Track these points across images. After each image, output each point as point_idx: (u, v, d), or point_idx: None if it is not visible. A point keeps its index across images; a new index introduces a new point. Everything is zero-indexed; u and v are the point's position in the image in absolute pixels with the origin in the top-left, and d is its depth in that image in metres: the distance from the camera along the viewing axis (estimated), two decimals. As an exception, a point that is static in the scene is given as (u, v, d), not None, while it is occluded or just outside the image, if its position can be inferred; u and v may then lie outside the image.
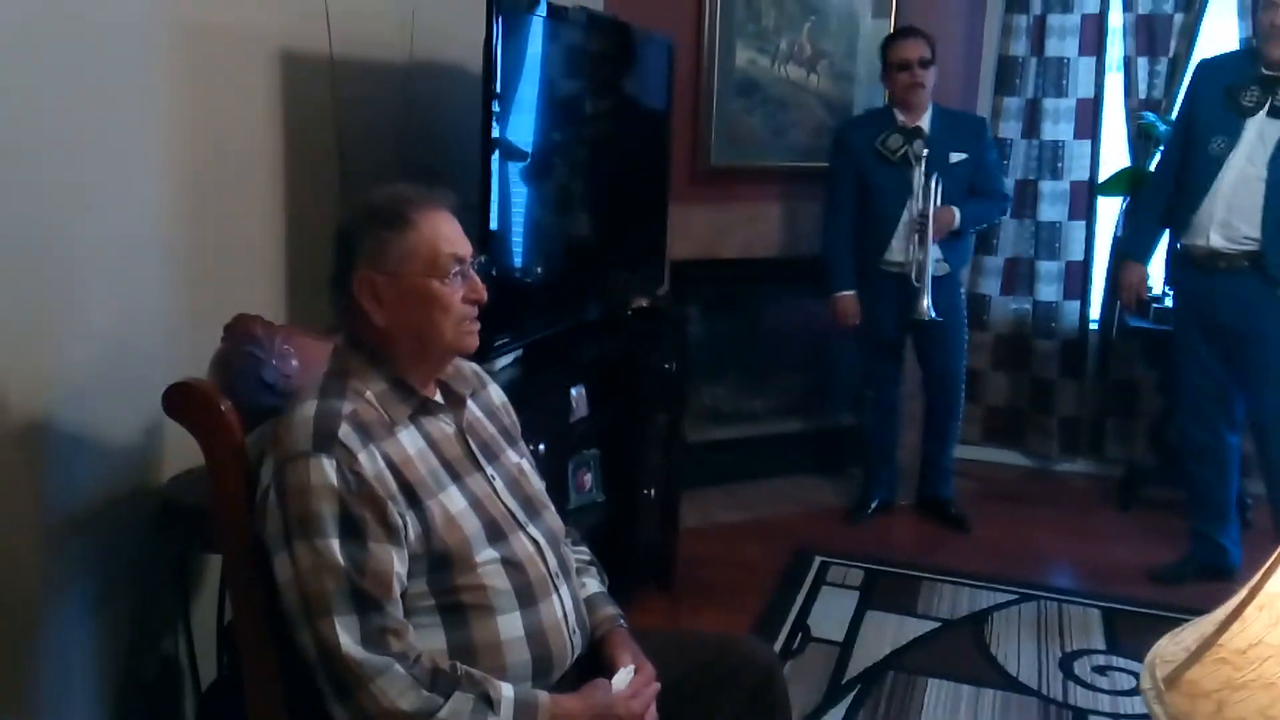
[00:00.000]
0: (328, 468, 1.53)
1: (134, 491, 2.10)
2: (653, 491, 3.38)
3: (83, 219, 1.94)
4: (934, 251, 3.82)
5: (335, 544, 1.51)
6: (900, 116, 3.87)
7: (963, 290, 4.21)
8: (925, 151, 3.79)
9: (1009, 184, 4.45)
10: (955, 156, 3.86)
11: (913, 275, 3.81)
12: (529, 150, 2.73)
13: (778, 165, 4.31)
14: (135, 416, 2.07)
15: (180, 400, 1.64)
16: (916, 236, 3.80)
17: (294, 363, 1.86)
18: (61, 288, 1.90)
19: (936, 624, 3.37)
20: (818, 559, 3.81)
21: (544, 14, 2.70)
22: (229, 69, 2.28)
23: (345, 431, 1.56)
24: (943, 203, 3.82)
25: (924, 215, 3.79)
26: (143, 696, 2.18)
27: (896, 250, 3.87)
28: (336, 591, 1.51)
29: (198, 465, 1.81)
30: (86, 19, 1.91)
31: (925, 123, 3.87)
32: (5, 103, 1.76)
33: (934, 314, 3.80)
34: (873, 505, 4.23)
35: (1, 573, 1.85)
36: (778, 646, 3.18)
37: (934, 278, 3.81)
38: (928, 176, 3.79)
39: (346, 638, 1.50)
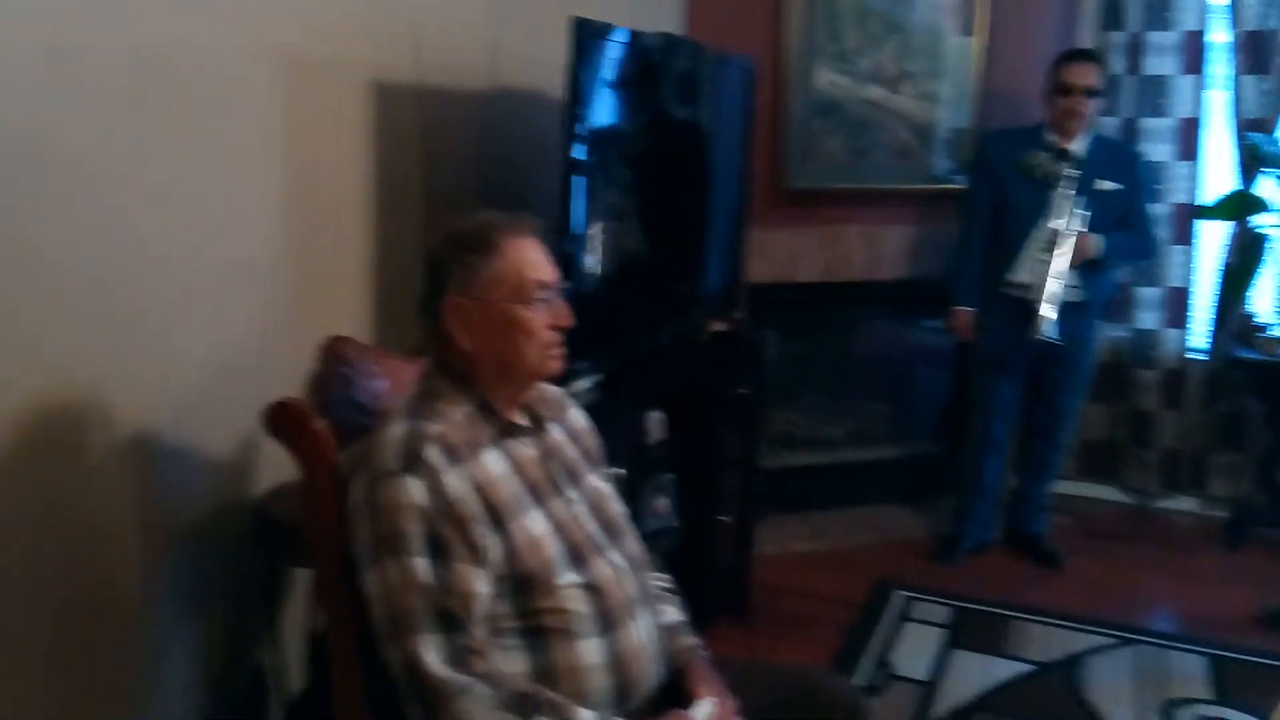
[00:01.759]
0: (415, 488, 1.63)
1: (230, 504, 2.27)
2: (729, 518, 3.46)
3: (186, 243, 2.12)
4: (1067, 276, 3.78)
5: (421, 563, 1.62)
6: (1051, 136, 3.88)
7: (1099, 325, 4.16)
8: (1072, 173, 3.79)
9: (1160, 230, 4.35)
10: (1105, 185, 3.82)
11: (1034, 294, 3.78)
12: (608, 174, 2.86)
13: (859, 187, 4.37)
14: (233, 433, 2.25)
15: (278, 418, 1.78)
16: (1045, 255, 3.78)
17: (383, 383, 1.98)
18: (167, 309, 2.08)
19: (1028, 666, 3.36)
20: (900, 593, 3.82)
21: (624, 39, 2.82)
22: (324, 99, 2.46)
23: (432, 453, 1.66)
24: (1088, 230, 3.79)
25: (1056, 233, 3.77)
26: (232, 704, 2.34)
27: (1022, 271, 3.85)
28: (422, 610, 1.61)
29: (290, 480, 1.98)
30: (193, 50, 2.09)
31: (1078, 147, 3.85)
32: (117, 130, 1.94)
33: (1053, 335, 3.75)
34: (966, 546, 4.19)
35: (109, 579, 2.03)
36: (858, 683, 3.21)
37: (1065, 303, 3.77)
38: (1071, 199, 3.79)
39: (432, 656, 1.60)
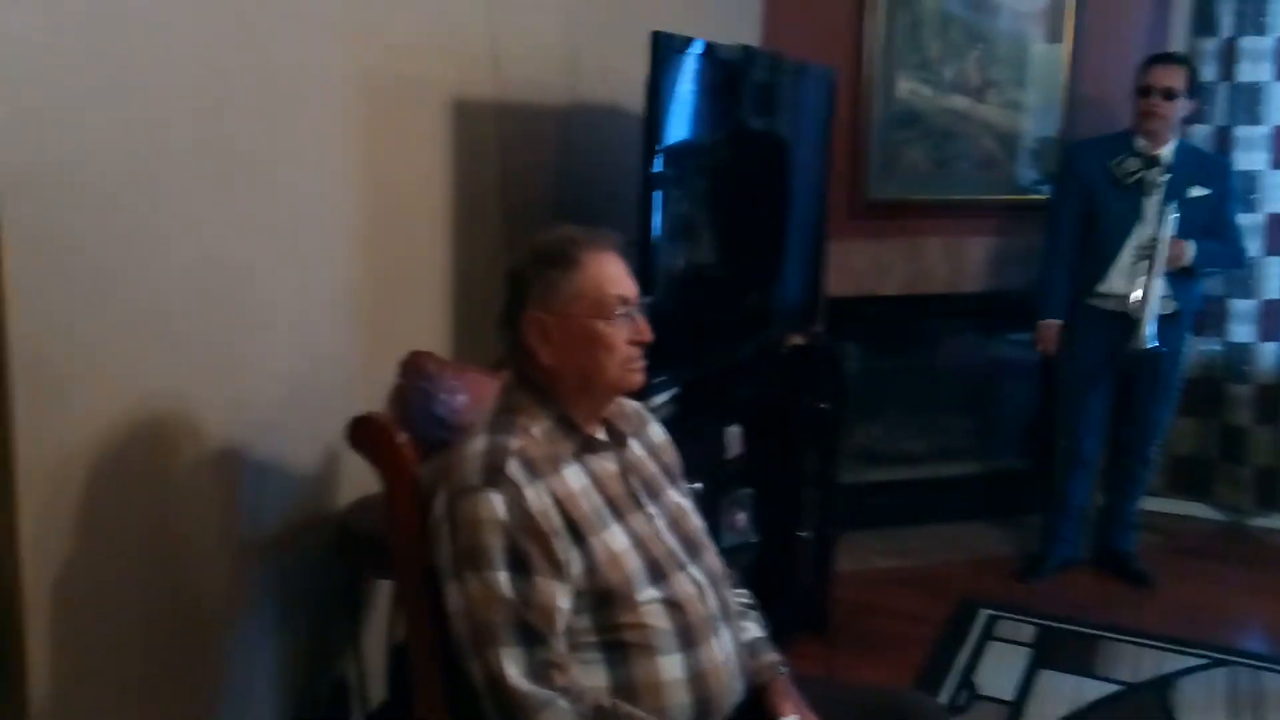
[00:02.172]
0: (496, 502, 1.65)
1: (313, 517, 2.32)
2: (808, 533, 3.45)
3: (272, 259, 2.17)
4: (1161, 285, 3.74)
5: (503, 577, 1.63)
6: (1140, 142, 3.84)
7: (1188, 337, 4.10)
8: (1163, 178, 3.76)
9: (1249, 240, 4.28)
10: (1195, 191, 3.79)
11: (1133, 304, 3.73)
12: (688, 188, 2.87)
13: (941, 198, 4.35)
14: (316, 446, 2.30)
15: (361, 432, 1.82)
16: (1145, 264, 3.74)
17: (463, 398, 2.01)
18: (253, 325, 2.14)
19: (1117, 687, 3.31)
20: (984, 611, 3.78)
21: (703, 52, 2.84)
22: (404, 117, 2.51)
23: (513, 467, 1.68)
24: (1177, 237, 3.75)
25: (1154, 241, 3.73)
26: (315, 715, 2.39)
27: (1116, 282, 3.81)
28: (503, 623, 1.62)
29: (372, 493, 2.02)
30: (276, 71, 2.15)
31: (1166, 153, 3.82)
32: (204, 152, 2.00)
33: (1155, 343, 3.70)
34: (1052, 564, 4.14)
35: (198, 591, 2.08)
36: (942, 703, 3.19)
37: (1159, 314, 3.74)
38: (1162, 206, 3.75)
39: (513, 669, 1.61)
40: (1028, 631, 3.66)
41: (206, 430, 2.05)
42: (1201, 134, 4.46)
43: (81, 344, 1.79)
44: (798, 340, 3.56)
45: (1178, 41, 4.51)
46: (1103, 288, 3.86)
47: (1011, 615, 3.77)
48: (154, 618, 1.97)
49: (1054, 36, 4.34)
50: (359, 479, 2.12)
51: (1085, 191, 3.90)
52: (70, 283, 1.76)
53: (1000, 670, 3.41)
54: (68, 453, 1.79)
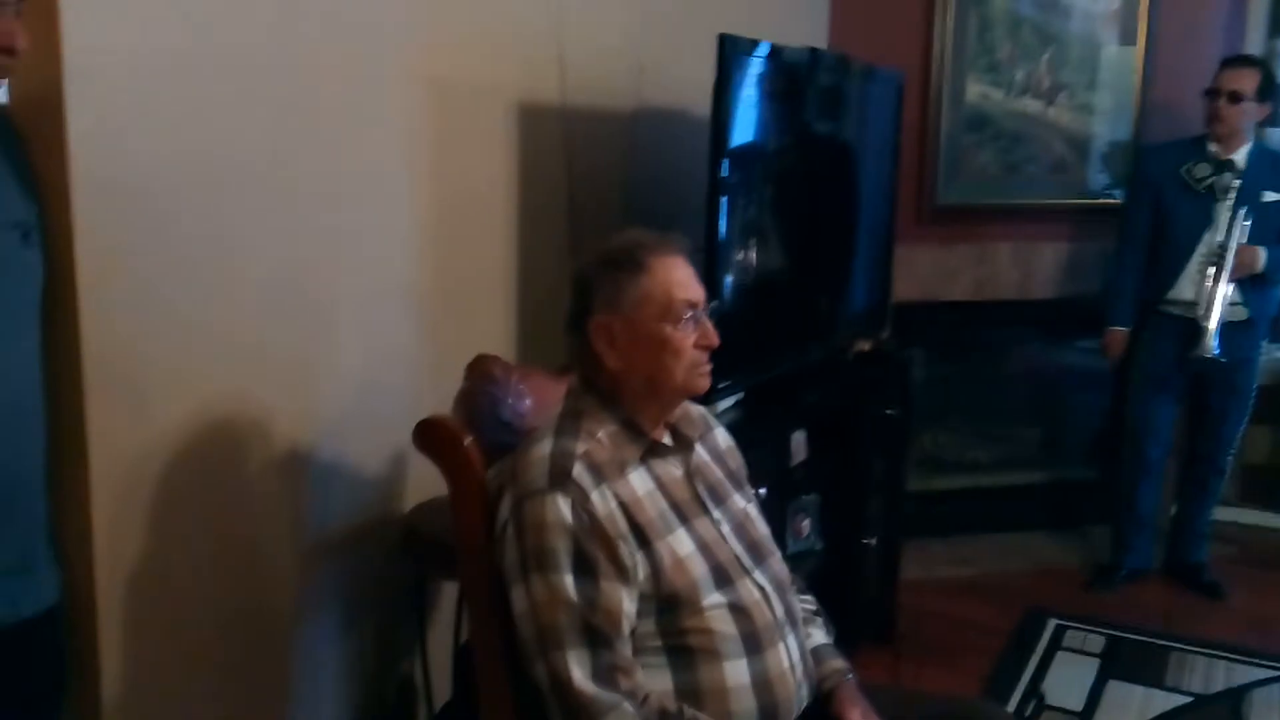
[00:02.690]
0: (562, 506, 1.65)
1: (379, 519, 2.33)
2: (873, 541, 3.42)
3: (339, 264, 2.19)
4: (1229, 292, 3.70)
5: (569, 580, 1.63)
6: (1212, 146, 3.79)
7: (1263, 345, 4.02)
8: (1235, 183, 3.71)
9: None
10: (1269, 196, 3.73)
11: (1200, 311, 3.70)
12: (754, 192, 2.86)
13: (1011, 203, 4.30)
14: (383, 448, 2.32)
15: (428, 435, 1.82)
16: (1212, 270, 3.69)
17: (529, 402, 2.01)
18: (321, 329, 2.16)
19: (1187, 699, 3.27)
20: (1052, 621, 3.75)
21: (769, 54, 2.82)
22: (471, 122, 2.52)
23: (579, 471, 1.68)
24: (1249, 243, 3.70)
25: (1223, 248, 3.68)
26: (382, 715, 2.41)
27: (1185, 288, 3.77)
28: (569, 626, 1.62)
29: (437, 496, 2.02)
30: (346, 74, 2.17)
31: (1239, 157, 3.77)
32: (276, 156, 2.02)
33: (1216, 352, 3.66)
34: (1122, 574, 4.08)
35: (267, 591, 2.11)
36: (1009, 712, 3.13)
37: (1228, 322, 3.70)
38: (1233, 211, 3.70)
39: (579, 672, 1.61)
40: (1096, 642, 3.62)
41: (276, 433, 2.07)
42: (1277, 137, 4.37)
43: (154, 349, 1.82)
44: (864, 346, 3.54)
45: (1254, 43, 4.43)
46: (1172, 294, 3.81)
47: (1080, 625, 3.74)
48: (224, 618, 2.00)
49: (1127, 38, 4.28)
50: (425, 481, 2.13)
51: (1157, 196, 3.85)
52: (143, 289, 1.80)
53: (1069, 680, 3.38)
54: (140, 456, 1.82)
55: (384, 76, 2.27)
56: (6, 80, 1.54)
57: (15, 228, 1.56)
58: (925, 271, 4.24)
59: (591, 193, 2.86)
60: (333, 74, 2.14)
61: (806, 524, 3.31)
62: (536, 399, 2.03)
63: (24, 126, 1.66)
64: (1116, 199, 4.22)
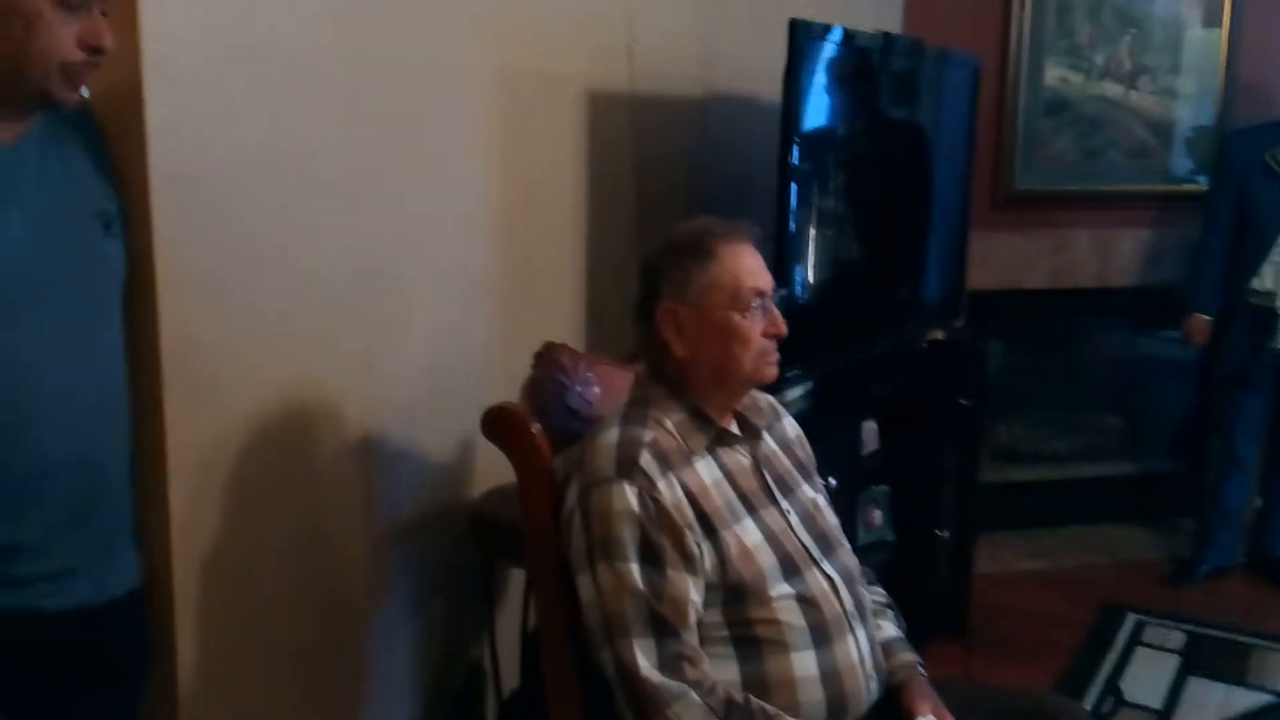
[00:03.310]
0: (629, 494, 1.65)
1: (448, 505, 2.36)
2: (946, 533, 3.40)
3: (410, 253, 2.21)
4: None
5: (635, 568, 1.64)
6: None
7: None
8: None
9: None
10: None
11: (1277, 302, 3.66)
12: (825, 179, 2.85)
13: (1090, 189, 4.25)
14: (451, 436, 2.34)
15: (496, 423, 1.84)
16: None
17: (596, 389, 2.02)
18: (392, 318, 2.18)
19: (1270, 698, 3.23)
20: (1131, 616, 3.70)
21: (841, 39, 2.81)
22: (540, 110, 2.53)
23: (646, 459, 1.68)
24: None
25: None
26: (450, 700, 2.44)
27: (1267, 276, 3.73)
28: (635, 614, 1.63)
29: (505, 483, 2.04)
30: (418, 66, 2.19)
31: None
32: (350, 145, 2.05)
33: None
34: (1204, 569, 4.02)
35: (338, 577, 2.14)
36: (1086, 708, 3.10)
37: None
38: None
39: (644, 661, 1.62)
40: (1177, 638, 3.58)
41: (347, 421, 2.10)
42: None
43: (229, 339, 1.85)
44: (938, 335, 3.51)
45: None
46: (1255, 283, 3.75)
47: (1160, 621, 3.68)
48: (296, 603, 2.03)
49: (1211, 20, 4.20)
50: (494, 468, 2.15)
51: (1241, 182, 3.78)
52: (218, 279, 1.83)
53: (1148, 677, 3.34)
54: (215, 444, 1.85)
55: (454, 67, 2.28)
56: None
57: (98, 217, 1.60)
58: (1001, 259, 4.20)
59: (660, 180, 2.86)
60: (404, 66, 2.16)
61: (878, 515, 3.29)
62: (604, 387, 2.04)
63: (105, 119, 1.69)
64: (1200, 185, 4.13)
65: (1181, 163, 4.33)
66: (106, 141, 1.68)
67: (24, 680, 1.58)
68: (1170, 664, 3.42)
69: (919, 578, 3.35)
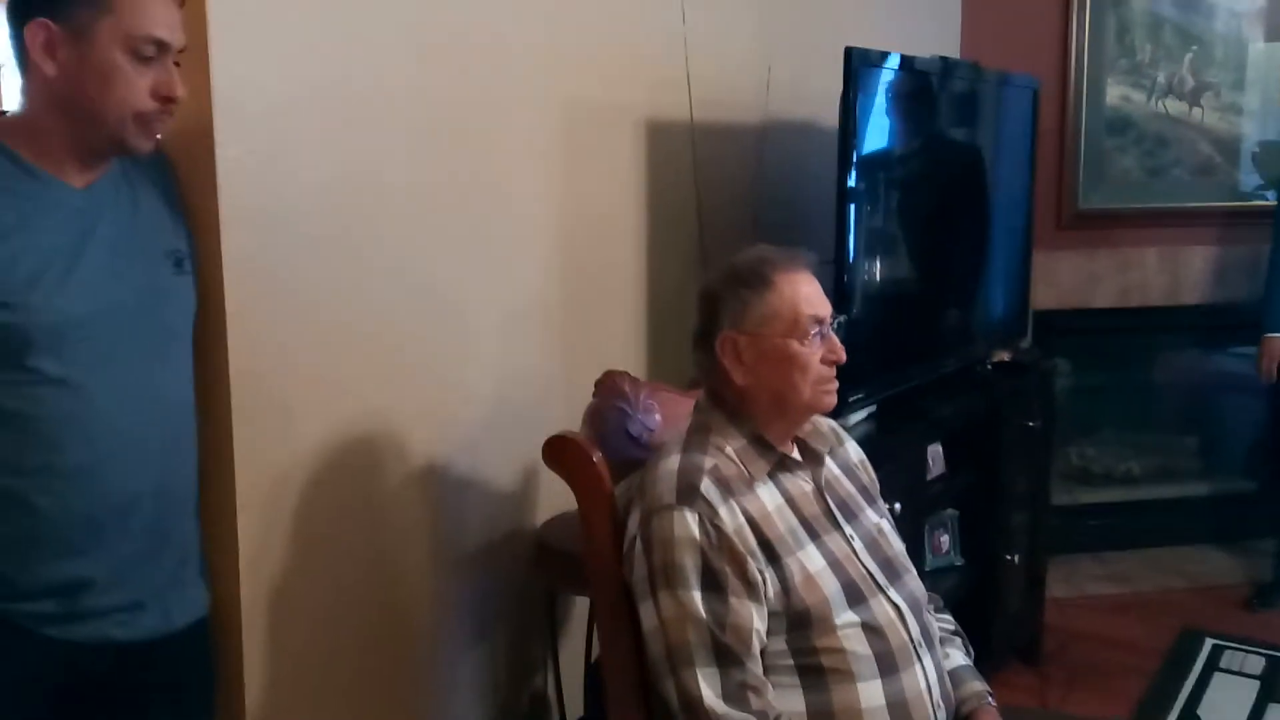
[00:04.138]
0: (690, 521, 1.64)
1: (511, 533, 2.36)
2: (1016, 557, 3.34)
3: (475, 283, 2.23)
4: None
5: (697, 596, 1.62)
6: None
7: None
8: None
9: None
10: None
11: None
12: (884, 204, 2.83)
13: (1156, 207, 4.19)
14: (514, 464, 2.34)
15: (558, 451, 1.84)
16: None
17: (657, 417, 2.02)
18: (456, 347, 2.20)
19: (1354, 724, 3.12)
20: (1209, 641, 3.61)
21: (899, 65, 2.79)
22: (601, 139, 2.54)
23: (707, 486, 1.67)
24: None
25: None
26: (515, 728, 2.45)
27: None
28: (698, 643, 1.61)
29: (568, 510, 2.04)
30: (480, 99, 2.21)
31: None
32: (418, 178, 2.08)
33: None
34: None
35: (404, 604, 2.15)
36: (1162, 735, 3.06)
37: None
38: None
39: (708, 690, 1.60)
40: (1256, 663, 3.48)
41: (413, 449, 2.12)
42: None
43: (296, 370, 1.88)
44: (1003, 356, 3.46)
45: None
46: None
47: (1239, 646, 3.58)
48: (362, 629, 2.04)
49: (1273, 35, 4.14)
50: (557, 495, 2.16)
51: None
52: (287, 312, 1.85)
53: (1226, 703, 3.25)
54: (283, 473, 1.88)
55: (520, 100, 2.30)
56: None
57: (169, 256, 1.64)
58: (1067, 279, 4.15)
59: (720, 207, 2.86)
60: (472, 101, 2.18)
61: (946, 539, 3.25)
62: (665, 414, 2.03)
63: (176, 160, 1.73)
64: (1268, 201, 4.05)
65: (1248, 178, 4.25)
66: (178, 182, 1.72)
67: (97, 709, 1.61)
68: (1249, 690, 3.33)
69: (989, 603, 3.28)
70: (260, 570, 1.85)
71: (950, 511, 3.26)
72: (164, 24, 1.50)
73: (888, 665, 1.70)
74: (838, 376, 1.80)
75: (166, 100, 1.52)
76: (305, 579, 1.92)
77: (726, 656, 1.62)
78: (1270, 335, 3.80)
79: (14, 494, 1.48)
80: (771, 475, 1.78)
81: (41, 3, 1.46)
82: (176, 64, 1.53)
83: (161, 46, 1.50)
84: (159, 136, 1.57)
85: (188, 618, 1.67)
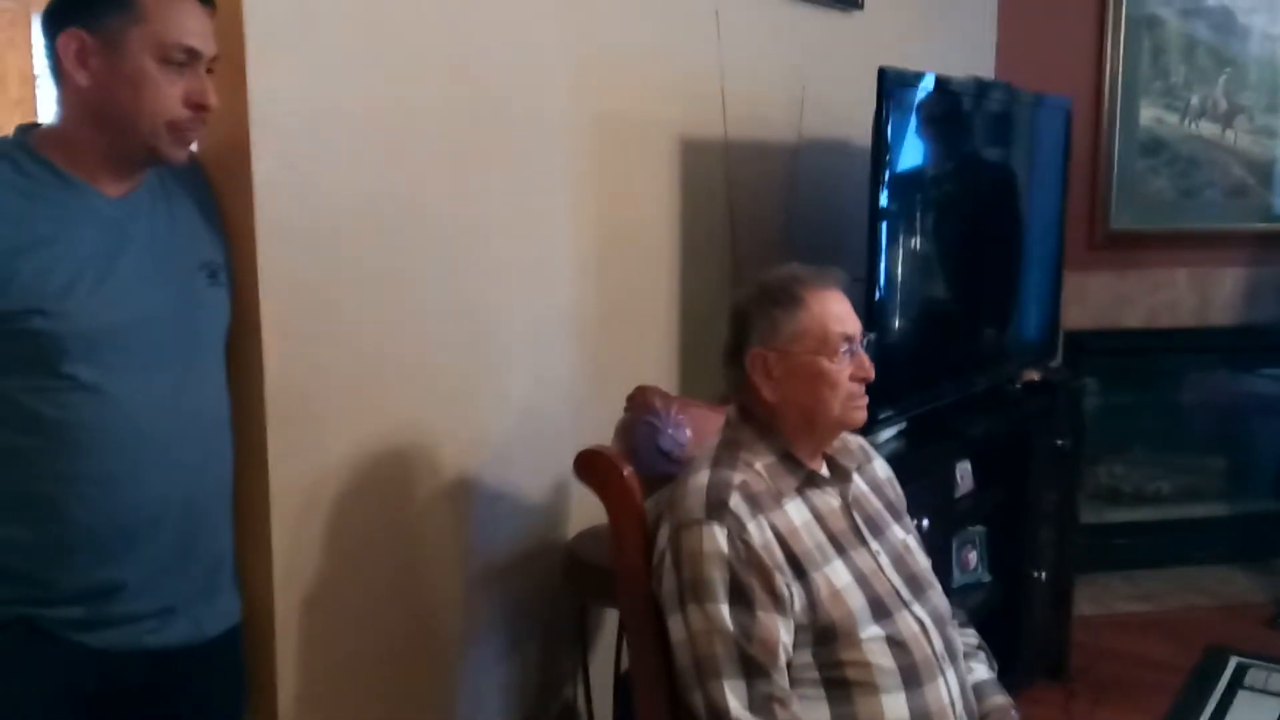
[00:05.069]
0: (719, 536, 1.63)
1: (541, 546, 2.34)
2: (1043, 574, 3.30)
3: (507, 297, 2.22)
4: None
5: (725, 610, 1.61)
6: None
7: None
8: None
9: None
10: None
11: None
12: (916, 223, 2.80)
13: (1188, 229, 4.14)
14: (545, 478, 2.33)
15: (589, 465, 1.82)
16: None
17: (688, 432, 2.01)
18: (489, 360, 2.19)
19: (1378, 743, 3.04)
20: (1234, 659, 3.54)
21: (933, 86, 2.77)
22: (635, 156, 2.52)
23: (736, 501, 1.66)
24: None
25: None
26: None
27: None
28: (725, 656, 1.60)
29: (598, 523, 2.02)
30: (516, 115, 2.20)
31: None
32: (446, 193, 2.06)
33: None
34: None
35: (435, 614, 2.14)
36: (1185, 754, 3.00)
37: None
38: None
39: (735, 702, 1.59)
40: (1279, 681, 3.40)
41: (444, 461, 2.11)
42: None
43: (329, 382, 1.87)
44: (1033, 375, 3.42)
45: None
46: None
47: (1264, 663, 3.50)
48: (394, 639, 2.03)
49: (1309, 58, 4.05)
50: (587, 508, 2.14)
51: None
52: (321, 325, 1.85)
53: (1250, 720, 3.18)
54: (316, 483, 1.87)
55: (552, 115, 2.29)
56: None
57: (204, 268, 1.63)
58: (1098, 299, 4.10)
59: (752, 224, 2.83)
60: (507, 116, 2.18)
61: (973, 556, 3.22)
62: (695, 429, 2.03)
63: (212, 173, 1.73)
64: (1302, 224, 4.00)
65: (1281, 201, 4.19)
66: (214, 194, 1.72)
67: (130, 715, 1.60)
68: (1273, 706, 3.23)
69: (1016, 620, 3.25)
70: (294, 580, 1.84)
71: (978, 528, 3.22)
72: (195, 32, 1.50)
73: (912, 678, 1.68)
74: (867, 391, 1.78)
75: (199, 108, 1.51)
76: (338, 588, 1.91)
77: (753, 669, 1.61)
78: None
79: (47, 499, 1.48)
80: (800, 491, 1.77)
81: (74, 13, 1.47)
82: (210, 72, 1.53)
83: (193, 55, 1.49)
84: (192, 147, 1.56)
85: (219, 626, 1.67)
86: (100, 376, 1.47)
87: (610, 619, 2.46)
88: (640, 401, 2.06)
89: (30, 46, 3.55)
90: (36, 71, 3.20)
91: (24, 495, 1.48)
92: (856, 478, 1.86)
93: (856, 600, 1.69)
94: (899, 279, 2.74)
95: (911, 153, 2.77)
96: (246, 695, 1.77)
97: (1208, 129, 4.09)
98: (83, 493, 1.48)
